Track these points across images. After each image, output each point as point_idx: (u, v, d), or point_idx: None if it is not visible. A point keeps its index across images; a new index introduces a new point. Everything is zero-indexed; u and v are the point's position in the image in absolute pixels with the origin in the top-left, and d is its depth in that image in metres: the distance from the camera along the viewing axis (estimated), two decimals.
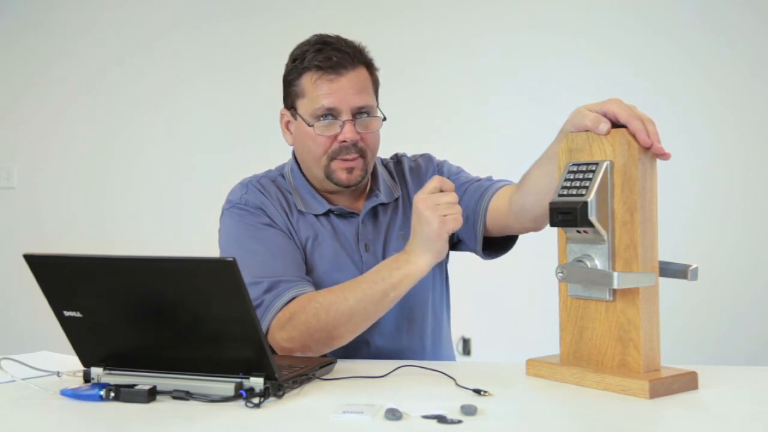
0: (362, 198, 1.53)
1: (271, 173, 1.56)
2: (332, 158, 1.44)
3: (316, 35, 1.47)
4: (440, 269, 1.58)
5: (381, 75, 1.50)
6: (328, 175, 1.45)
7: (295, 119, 1.47)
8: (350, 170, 1.44)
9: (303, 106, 1.44)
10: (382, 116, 1.47)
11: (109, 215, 3.60)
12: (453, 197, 1.26)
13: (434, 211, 1.24)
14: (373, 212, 1.52)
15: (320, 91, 1.41)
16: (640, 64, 3.41)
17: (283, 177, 1.54)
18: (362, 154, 1.44)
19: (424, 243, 1.26)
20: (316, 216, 1.49)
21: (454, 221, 1.25)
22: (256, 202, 1.47)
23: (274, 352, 1.35)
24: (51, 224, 3.62)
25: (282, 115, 1.52)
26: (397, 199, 1.55)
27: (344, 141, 1.42)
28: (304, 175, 1.52)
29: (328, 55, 1.41)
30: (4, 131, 3.68)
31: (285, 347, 1.33)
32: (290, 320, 1.31)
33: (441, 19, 3.51)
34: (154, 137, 3.61)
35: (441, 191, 1.27)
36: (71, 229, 3.60)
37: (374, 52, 1.49)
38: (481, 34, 3.49)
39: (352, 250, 1.48)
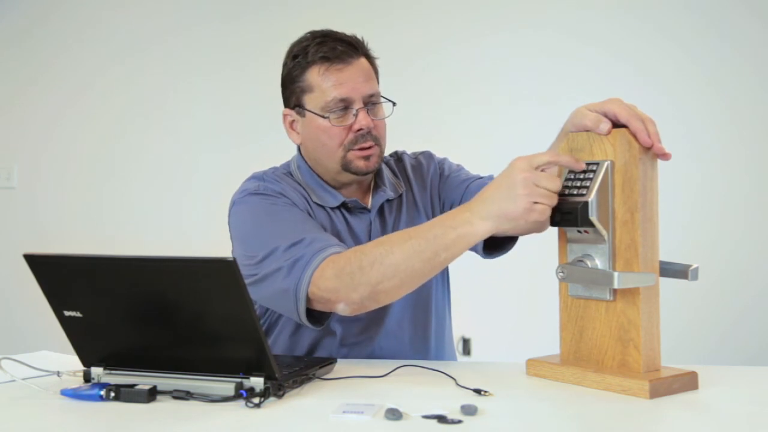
0: (368, 194, 1.53)
1: (279, 169, 1.55)
2: (348, 149, 1.42)
3: (309, 32, 1.46)
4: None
5: (381, 76, 1.50)
6: (346, 166, 1.43)
7: (303, 116, 1.46)
8: (368, 158, 1.43)
9: (312, 100, 1.43)
10: (392, 102, 1.46)
11: (109, 215, 3.60)
12: (556, 185, 1.11)
13: (530, 192, 1.10)
14: (380, 210, 1.52)
15: (330, 82, 1.40)
16: (640, 64, 3.41)
17: (291, 174, 1.53)
18: (377, 142, 1.44)
19: (496, 212, 1.13)
20: (331, 209, 1.48)
21: (540, 214, 1.11)
22: (276, 188, 1.44)
23: (310, 316, 1.30)
24: (51, 224, 3.62)
25: (285, 116, 1.51)
26: (401, 196, 1.55)
27: (360, 129, 1.41)
28: (313, 171, 1.50)
29: (332, 46, 1.41)
30: (4, 131, 3.68)
31: (329, 299, 1.25)
32: (334, 271, 1.23)
33: (441, 19, 3.52)
34: (154, 137, 3.61)
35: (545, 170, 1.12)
36: (71, 229, 3.60)
37: (374, 52, 1.49)
38: (481, 35, 3.49)
39: None
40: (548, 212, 1.12)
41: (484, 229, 1.16)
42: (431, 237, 1.19)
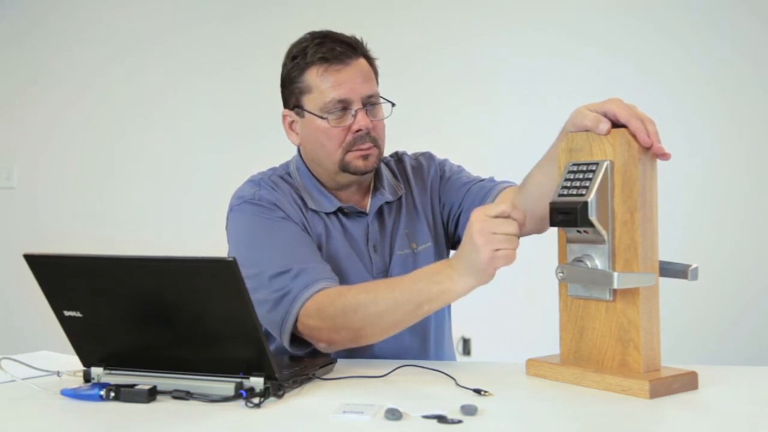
0: (367, 196, 1.53)
1: (278, 171, 1.54)
2: (347, 150, 1.42)
3: (309, 33, 1.46)
4: None
5: (381, 76, 1.50)
6: (344, 167, 1.43)
7: (302, 117, 1.46)
8: (366, 157, 1.43)
9: (311, 101, 1.43)
10: (391, 102, 1.46)
11: (109, 215, 3.60)
12: (513, 228, 1.14)
13: (487, 241, 1.13)
14: (379, 212, 1.52)
15: (328, 83, 1.40)
16: (640, 64, 3.41)
17: (290, 175, 1.53)
18: (375, 143, 1.44)
19: (469, 267, 1.17)
20: (327, 214, 1.48)
21: (505, 259, 1.13)
22: (271, 197, 1.44)
23: (296, 341, 1.33)
24: (51, 224, 3.62)
25: (285, 117, 1.50)
26: (400, 198, 1.55)
27: (359, 130, 1.41)
28: (311, 173, 1.51)
29: (331, 47, 1.41)
30: (4, 131, 3.68)
31: (313, 336, 1.30)
32: (318, 312, 1.27)
33: (441, 19, 3.51)
34: (154, 137, 3.61)
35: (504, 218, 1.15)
36: (71, 229, 3.60)
37: (374, 53, 1.49)
38: (481, 35, 3.49)
39: (362, 252, 1.47)
40: (513, 257, 1.14)
41: (464, 285, 1.18)
42: (415, 290, 1.21)
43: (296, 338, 1.33)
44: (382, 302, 1.23)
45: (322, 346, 1.31)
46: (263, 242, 1.38)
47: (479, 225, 1.14)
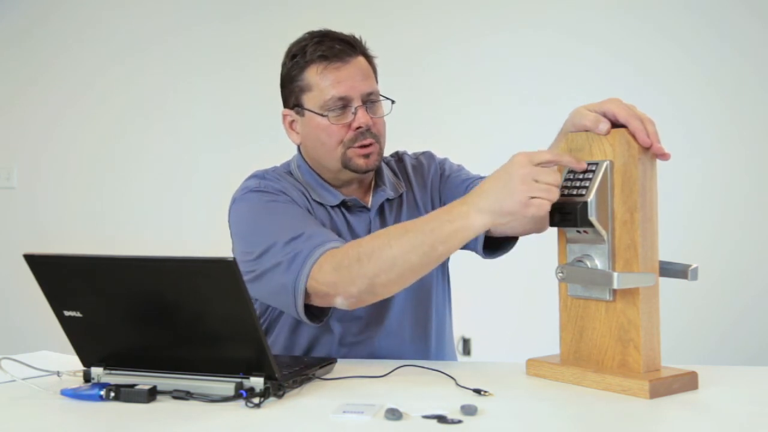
0: (369, 193, 1.53)
1: (279, 169, 1.55)
2: (348, 147, 1.42)
3: (308, 32, 1.47)
4: (442, 267, 1.58)
5: (381, 75, 1.50)
6: (345, 164, 1.43)
7: (302, 116, 1.46)
8: (367, 156, 1.43)
9: (311, 99, 1.43)
10: (391, 100, 1.46)
11: (109, 215, 3.60)
12: (556, 178, 1.11)
13: (527, 187, 1.10)
14: (380, 209, 1.52)
15: (328, 81, 1.41)
16: (640, 64, 3.41)
17: (291, 173, 1.53)
18: (376, 140, 1.44)
19: (493, 205, 1.13)
20: (331, 207, 1.48)
21: (539, 208, 1.10)
22: (277, 186, 1.44)
23: (313, 315, 1.31)
24: (51, 224, 3.62)
25: (285, 116, 1.51)
26: (401, 196, 1.55)
27: (359, 127, 1.41)
28: (312, 170, 1.51)
29: (330, 45, 1.41)
30: (4, 131, 3.68)
31: (328, 293, 1.26)
32: (332, 265, 1.24)
33: (441, 19, 3.51)
34: (154, 137, 3.61)
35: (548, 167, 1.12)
36: (71, 229, 3.60)
37: (373, 52, 1.49)
38: (481, 35, 3.49)
39: None
40: (547, 206, 1.10)
41: (481, 223, 1.15)
42: (428, 230, 1.19)
43: (310, 312, 1.30)
44: (396, 245, 1.21)
45: (338, 302, 1.27)
46: (271, 219, 1.37)
47: (524, 170, 1.10)
